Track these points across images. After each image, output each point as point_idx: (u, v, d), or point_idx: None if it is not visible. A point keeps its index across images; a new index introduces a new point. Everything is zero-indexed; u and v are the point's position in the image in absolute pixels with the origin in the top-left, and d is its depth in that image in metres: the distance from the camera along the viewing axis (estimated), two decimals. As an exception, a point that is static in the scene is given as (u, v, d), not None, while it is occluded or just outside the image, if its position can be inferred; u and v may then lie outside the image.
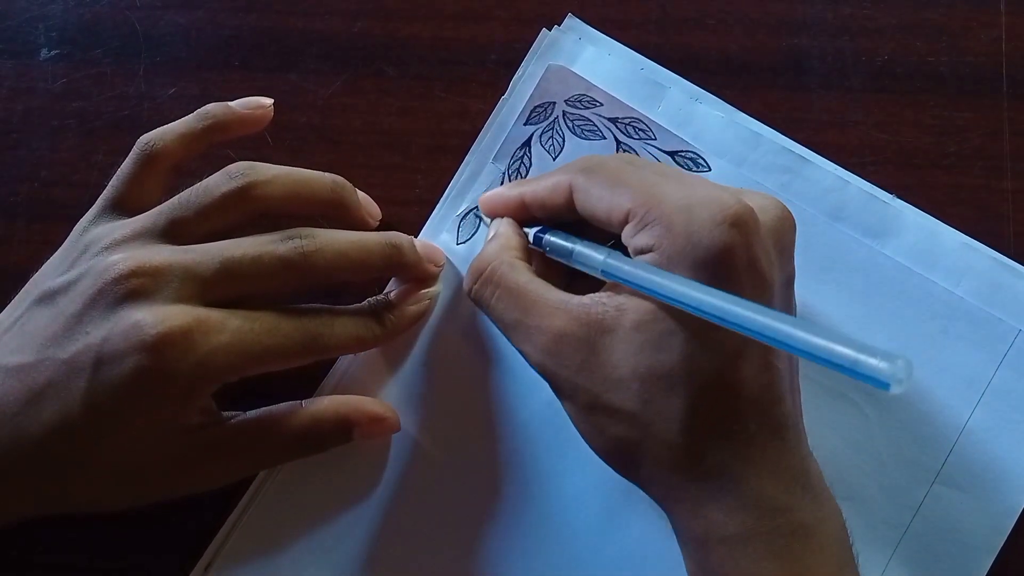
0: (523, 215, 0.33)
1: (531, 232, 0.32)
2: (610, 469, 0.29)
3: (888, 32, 0.38)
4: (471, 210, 0.37)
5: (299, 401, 0.32)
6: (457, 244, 0.37)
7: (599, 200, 0.29)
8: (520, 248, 0.32)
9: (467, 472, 0.35)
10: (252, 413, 0.32)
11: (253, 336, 0.30)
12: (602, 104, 0.37)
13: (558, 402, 0.30)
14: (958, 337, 0.35)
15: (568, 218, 0.31)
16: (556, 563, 0.34)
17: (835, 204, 0.36)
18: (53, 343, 0.29)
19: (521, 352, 0.30)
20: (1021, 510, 0.34)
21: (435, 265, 0.35)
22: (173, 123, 0.34)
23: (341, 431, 0.33)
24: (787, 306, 0.29)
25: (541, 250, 0.32)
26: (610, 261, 0.28)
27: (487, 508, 0.34)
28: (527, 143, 0.37)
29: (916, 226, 0.36)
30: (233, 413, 0.32)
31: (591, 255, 0.29)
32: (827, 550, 0.27)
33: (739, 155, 0.36)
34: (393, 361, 0.36)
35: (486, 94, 0.38)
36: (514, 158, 0.37)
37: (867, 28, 0.39)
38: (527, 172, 0.37)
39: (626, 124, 0.37)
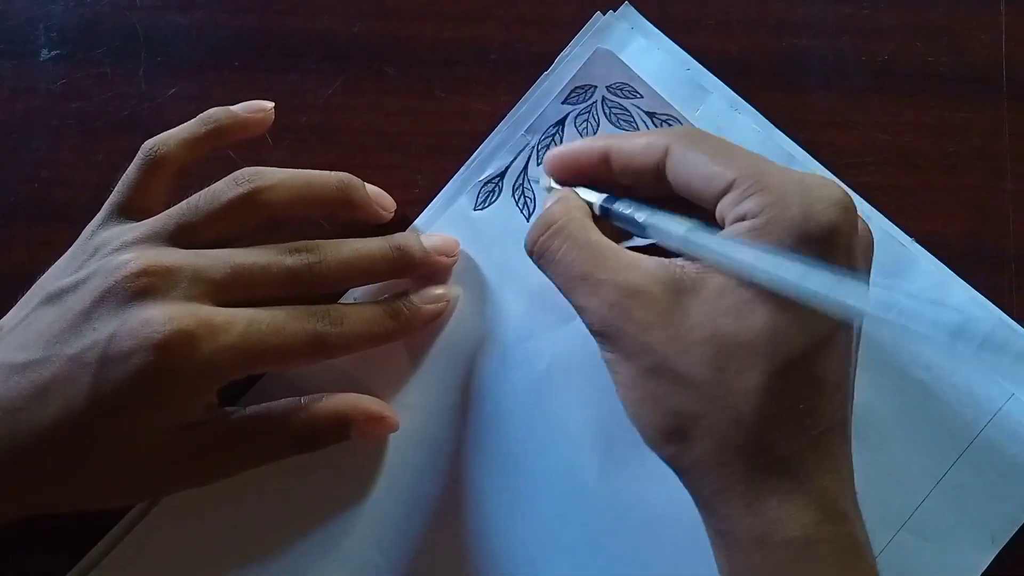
0: (600, 172, 0.31)
1: (597, 200, 0.30)
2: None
3: (888, 32, 0.38)
4: (494, 177, 0.37)
5: (298, 398, 0.32)
6: (474, 210, 0.37)
7: (698, 166, 0.28)
8: (587, 214, 0.30)
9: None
10: (251, 409, 0.32)
11: (259, 336, 0.30)
12: (642, 96, 0.37)
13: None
14: (950, 389, 0.34)
15: (647, 186, 0.30)
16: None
17: None
18: (60, 340, 0.29)
19: (581, 308, 0.28)
20: (980, 574, 0.33)
21: (448, 256, 0.35)
22: (176, 128, 0.34)
23: (339, 429, 0.33)
24: None
25: (606, 220, 0.30)
26: (691, 236, 0.26)
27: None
28: (561, 121, 0.37)
29: (928, 273, 0.35)
30: (232, 409, 0.32)
31: (670, 225, 0.27)
32: (872, 571, 0.26)
33: None
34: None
35: (486, 94, 0.38)
36: (546, 134, 0.37)
37: (867, 28, 0.39)
38: None
39: (662, 121, 0.37)
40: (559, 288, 0.29)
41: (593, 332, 0.28)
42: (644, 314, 0.26)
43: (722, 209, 0.27)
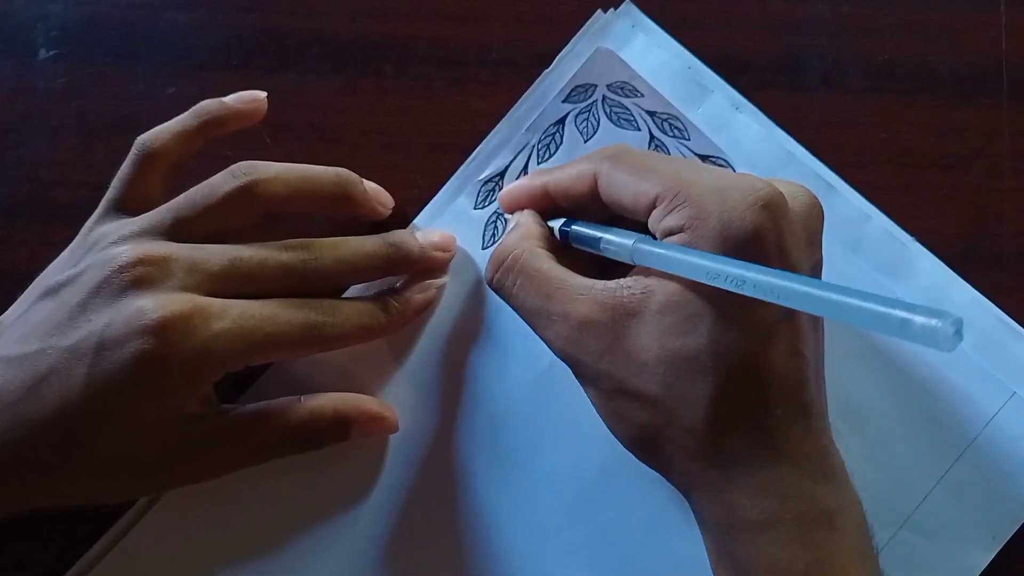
0: (546, 205, 0.33)
1: (556, 225, 0.32)
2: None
3: (888, 32, 0.38)
4: (494, 176, 0.37)
5: (298, 396, 0.32)
6: (474, 209, 0.37)
7: (625, 186, 0.29)
8: (541, 237, 0.32)
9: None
10: (251, 406, 0.32)
11: (254, 323, 0.30)
12: (643, 95, 0.37)
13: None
14: (951, 389, 0.34)
15: (591, 208, 0.31)
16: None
17: (854, 236, 0.35)
18: (56, 332, 0.29)
19: (543, 339, 0.30)
20: (980, 572, 0.33)
21: (444, 251, 0.35)
22: (169, 122, 0.34)
23: (339, 428, 0.33)
24: None
25: (567, 242, 0.32)
26: (640, 245, 0.28)
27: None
28: (561, 121, 0.37)
29: (930, 272, 0.35)
30: (232, 405, 0.32)
31: (620, 240, 0.29)
32: (848, 537, 0.27)
33: (768, 171, 0.36)
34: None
35: (486, 94, 0.38)
36: (546, 133, 0.37)
37: (867, 28, 0.39)
38: (556, 149, 0.37)
39: (663, 120, 0.37)
40: (522, 319, 0.31)
41: (560, 358, 0.30)
42: (596, 343, 0.28)
43: (652, 224, 0.29)
